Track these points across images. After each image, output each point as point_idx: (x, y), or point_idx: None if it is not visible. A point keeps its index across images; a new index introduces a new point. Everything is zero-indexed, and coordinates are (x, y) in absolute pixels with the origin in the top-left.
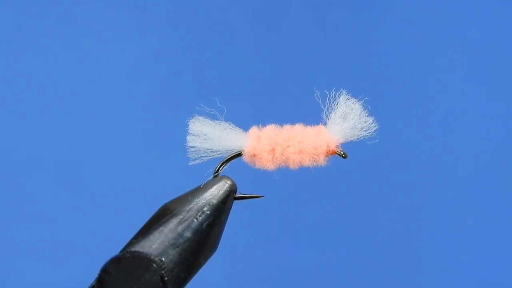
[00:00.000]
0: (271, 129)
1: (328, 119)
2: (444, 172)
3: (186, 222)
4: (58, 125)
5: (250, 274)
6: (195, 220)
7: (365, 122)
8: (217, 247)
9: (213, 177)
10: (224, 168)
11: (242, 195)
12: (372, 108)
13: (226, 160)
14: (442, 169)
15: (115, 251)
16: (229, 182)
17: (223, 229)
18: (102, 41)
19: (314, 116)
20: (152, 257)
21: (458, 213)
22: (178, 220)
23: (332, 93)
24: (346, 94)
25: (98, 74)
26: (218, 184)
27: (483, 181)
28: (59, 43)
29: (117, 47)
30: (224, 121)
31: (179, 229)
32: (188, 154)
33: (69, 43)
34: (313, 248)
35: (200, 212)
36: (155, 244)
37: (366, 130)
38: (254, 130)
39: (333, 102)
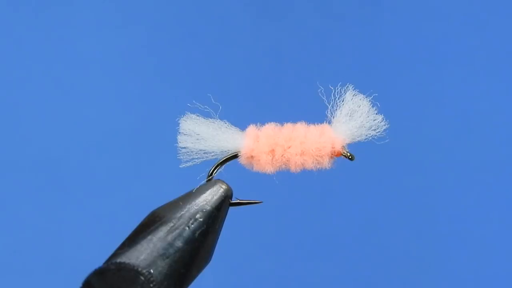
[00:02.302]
0: (270, 128)
1: (333, 117)
2: (462, 175)
3: (177, 231)
4: (37, 124)
5: (247, 287)
6: (187, 228)
7: (374, 120)
8: (211, 258)
9: (207, 181)
10: (218, 171)
11: (238, 201)
12: (381, 105)
13: (221, 162)
14: (459, 172)
15: (98, 262)
16: (224, 187)
17: (218, 238)
18: (84, 31)
19: (317, 114)
20: (139, 269)
21: (477, 221)
22: (168, 228)
23: (338, 88)
24: (353, 90)
25: (80, 68)
26: (212, 189)
27: (506, 185)
28: (36, 34)
29: (101, 38)
30: (218, 119)
31: (169, 238)
32: (179, 156)
33: (47, 34)
34: (316, 259)
35: (192, 220)
36: (143, 255)
37: (375, 129)
38: (251, 129)
39: (338, 99)
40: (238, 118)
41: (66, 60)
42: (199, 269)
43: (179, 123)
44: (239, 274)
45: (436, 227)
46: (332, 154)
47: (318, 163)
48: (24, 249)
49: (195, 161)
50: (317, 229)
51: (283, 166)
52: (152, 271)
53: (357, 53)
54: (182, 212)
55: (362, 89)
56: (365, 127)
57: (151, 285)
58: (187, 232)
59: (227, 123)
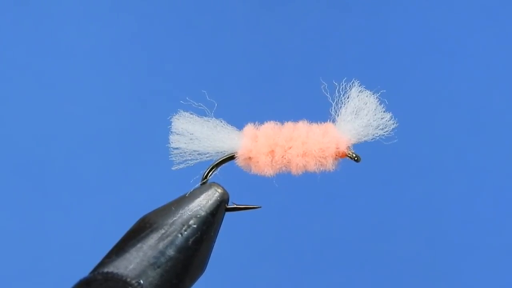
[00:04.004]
0: (269, 128)
1: (338, 115)
2: (476, 177)
3: (169, 238)
4: (18, 123)
5: None
6: (180, 235)
7: (382, 118)
8: (205, 268)
9: (201, 184)
10: (214, 173)
11: (235, 206)
12: (389, 102)
13: (216, 164)
14: (473, 174)
15: (84, 272)
16: (219, 191)
17: (213, 246)
18: (68, 20)
19: (321, 112)
20: (128, 279)
21: (494, 230)
22: (160, 235)
23: (343, 84)
24: (359, 86)
25: (63, 61)
26: (206, 193)
27: None
28: (15, 24)
29: (86, 28)
30: (214, 118)
31: (161, 246)
32: (171, 157)
33: (28, 25)
34: (319, 268)
35: (185, 226)
36: (132, 264)
37: (382, 129)
38: (249, 128)
39: (343, 95)
40: (235, 117)
41: (49, 53)
42: (193, 280)
43: (171, 121)
44: (236, 284)
45: (449, 235)
46: (336, 155)
47: (321, 165)
48: (3, 257)
49: (188, 163)
50: (320, 236)
51: (284, 168)
52: (142, 281)
53: (363, 46)
54: (175, 218)
55: (368, 85)
56: (372, 126)
57: None
58: (179, 239)
59: (223, 121)
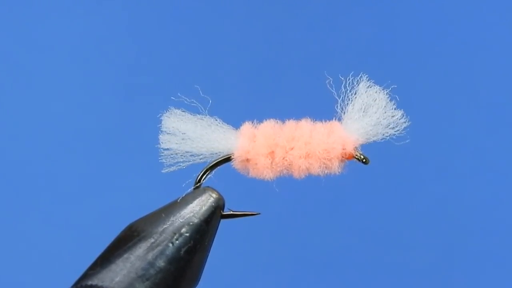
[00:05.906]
0: (269, 126)
1: (344, 113)
2: (496, 182)
3: (159, 248)
4: None
5: None
6: (171, 244)
7: (392, 116)
8: (198, 281)
9: (194, 188)
10: (208, 177)
11: (231, 213)
12: (401, 98)
13: (211, 167)
14: (493, 178)
15: (66, 285)
16: (214, 196)
17: (207, 257)
18: (50, 11)
19: (325, 109)
20: None
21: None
22: (148, 244)
23: (349, 79)
24: (368, 80)
25: (45, 55)
26: (200, 198)
27: None
28: None
29: (70, 19)
30: (208, 116)
31: (150, 256)
32: (161, 159)
33: (6, 15)
34: (323, 281)
35: (176, 235)
36: (119, 276)
37: (393, 128)
38: (247, 127)
39: (350, 91)
40: (231, 115)
41: (30, 47)
42: None
43: (161, 120)
44: None
45: (466, 241)
46: (342, 156)
47: (326, 167)
48: None
49: (180, 165)
50: (325, 245)
51: (285, 171)
52: None
53: (372, 37)
54: (165, 226)
55: (378, 80)
56: (381, 124)
57: None
58: (170, 249)
59: (218, 120)
